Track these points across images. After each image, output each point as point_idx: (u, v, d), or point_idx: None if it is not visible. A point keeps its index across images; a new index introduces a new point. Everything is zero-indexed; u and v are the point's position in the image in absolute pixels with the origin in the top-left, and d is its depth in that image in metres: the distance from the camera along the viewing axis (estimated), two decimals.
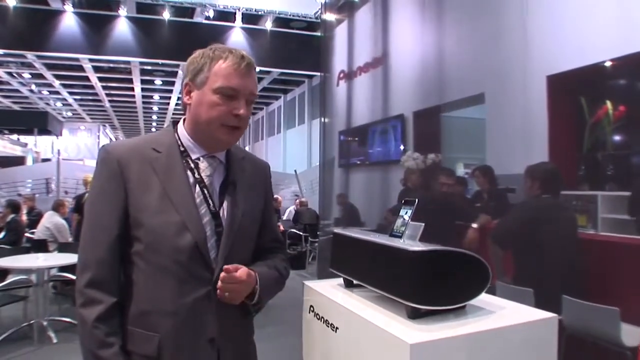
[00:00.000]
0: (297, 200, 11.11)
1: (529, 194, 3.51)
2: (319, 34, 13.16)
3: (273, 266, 1.44)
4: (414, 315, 1.13)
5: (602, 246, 3.46)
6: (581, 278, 3.21)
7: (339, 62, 8.59)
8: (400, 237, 1.30)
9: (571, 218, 3.70)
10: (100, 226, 1.27)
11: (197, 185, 1.32)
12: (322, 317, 1.38)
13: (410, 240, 1.28)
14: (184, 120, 1.39)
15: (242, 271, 1.27)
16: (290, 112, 21.72)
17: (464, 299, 1.16)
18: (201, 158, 1.36)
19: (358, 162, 8.37)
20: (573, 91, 5.32)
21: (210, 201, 1.32)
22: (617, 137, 4.92)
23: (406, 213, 1.34)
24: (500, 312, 1.21)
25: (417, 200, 1.32)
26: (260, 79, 17.53)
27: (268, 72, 16.42)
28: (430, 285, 1.11)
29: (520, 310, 1.25)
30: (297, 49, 13.36)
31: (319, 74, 15.52)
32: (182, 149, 1.36)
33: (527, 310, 1.24)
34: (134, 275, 1.29)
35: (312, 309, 1.46)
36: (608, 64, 4.76)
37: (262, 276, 1.35)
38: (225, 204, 1.35)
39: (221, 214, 1.33)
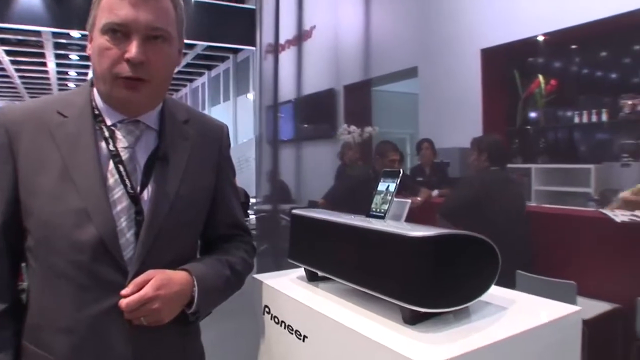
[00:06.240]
0: None
1: (476, 167, 3.37)
2: (246, 5, 12.66)
3: (224, 261, 1.11)
4: (413, 320, 0.86)
5: (546, 218, 3.41)
6: (532, 251, 3.12)
7: (268, 36, 8.24)
8: (382, 217, 1.03)
9: (519, 191, 3.63)
10: None
11: (112, 161, 0.99)
12: (283, 322, 1.09)
13: (396, 222, 1.01)
14: None
15: (152, 283, 0.94)
16: (215, 89, 21.04)
17: (473, 295, 0.90)
18: (118, 124, 1.02)
19: (285, 139, 8.11)
20: (507, 65, 5.31)
21: (127, 181, 0.99)
22: (549, 111, 4.98)
23: (387, 187, 1.06)
24: (512, 309, 0.96)
25: (401, 171, 1.04)
26: (184, 54, 16.81)
27: (192, 47, 15.65)
28: (436, 281, 0.84)
29: (536, 304, 1.01)
30: (224, 21, 12.71)
31: (244, 48, 14.99)
32: (96, 112, 1.02)
33: (544, 303, 1.00)
34: (29, 278, 1.00)
35: (267, 310, 1.17)
36: (541, 38, 4.76)
37: (203, 277, 1.02)
38: (150, 185, 1.02)
39: (145, 198, 1.01)
